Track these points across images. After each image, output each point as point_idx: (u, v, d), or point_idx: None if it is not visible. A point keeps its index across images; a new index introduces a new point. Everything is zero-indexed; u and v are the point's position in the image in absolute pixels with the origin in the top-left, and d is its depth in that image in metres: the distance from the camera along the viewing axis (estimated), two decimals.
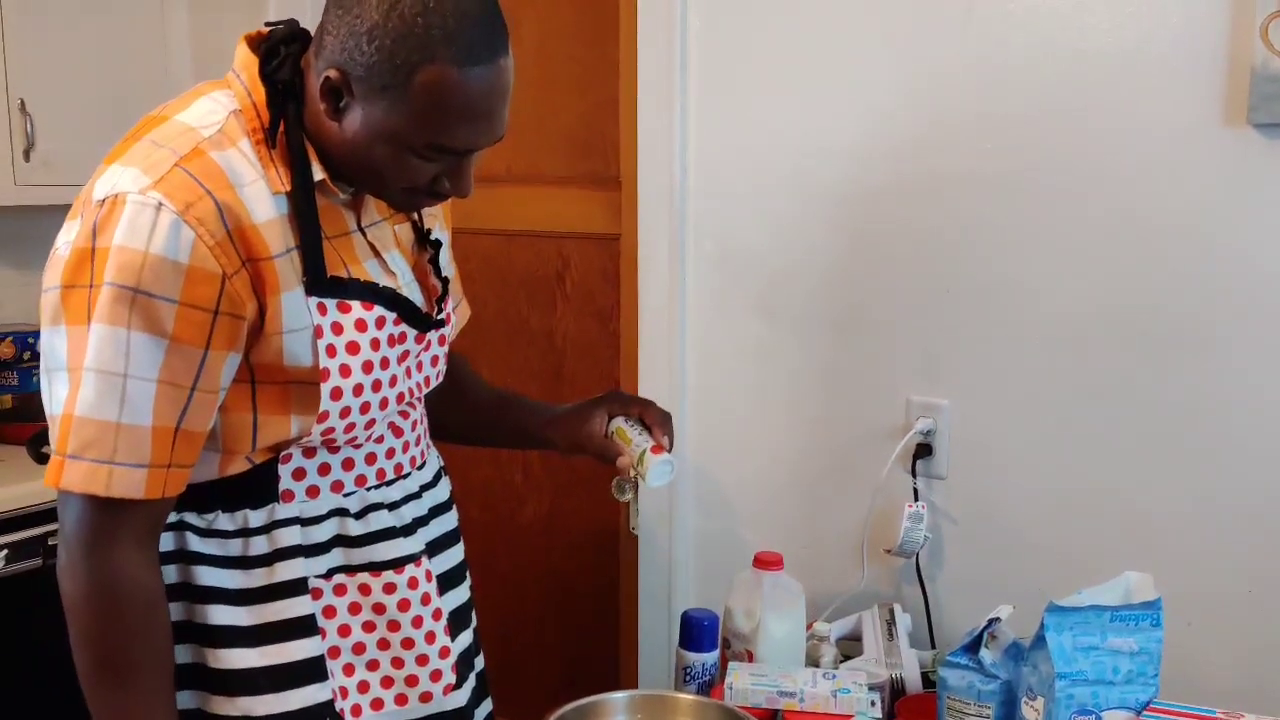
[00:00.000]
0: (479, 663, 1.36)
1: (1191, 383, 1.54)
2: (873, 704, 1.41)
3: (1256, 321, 1.49)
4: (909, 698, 1.57)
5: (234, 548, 1.13)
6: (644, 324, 1.98)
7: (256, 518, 1.13)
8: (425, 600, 1.19)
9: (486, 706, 1.39)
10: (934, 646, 1.77)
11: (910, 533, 1.73)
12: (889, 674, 1.58)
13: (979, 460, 1.73)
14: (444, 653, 1.21)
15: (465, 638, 1.28)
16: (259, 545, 1.13)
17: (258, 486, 1.13)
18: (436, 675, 1.20)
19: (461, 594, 1.29)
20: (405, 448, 1.23)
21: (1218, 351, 1.52)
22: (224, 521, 1.13)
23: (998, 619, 1.38)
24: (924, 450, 1.76)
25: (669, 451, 1.37)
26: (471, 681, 1.27)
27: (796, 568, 1.63)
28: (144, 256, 1.01)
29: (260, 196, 1.06)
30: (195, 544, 1.13)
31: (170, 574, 1.12)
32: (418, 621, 1.18)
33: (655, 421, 1.39)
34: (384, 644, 1.18)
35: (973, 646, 1.39)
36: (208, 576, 1.13)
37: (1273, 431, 1.50)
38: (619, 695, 1.41)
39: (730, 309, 1.91)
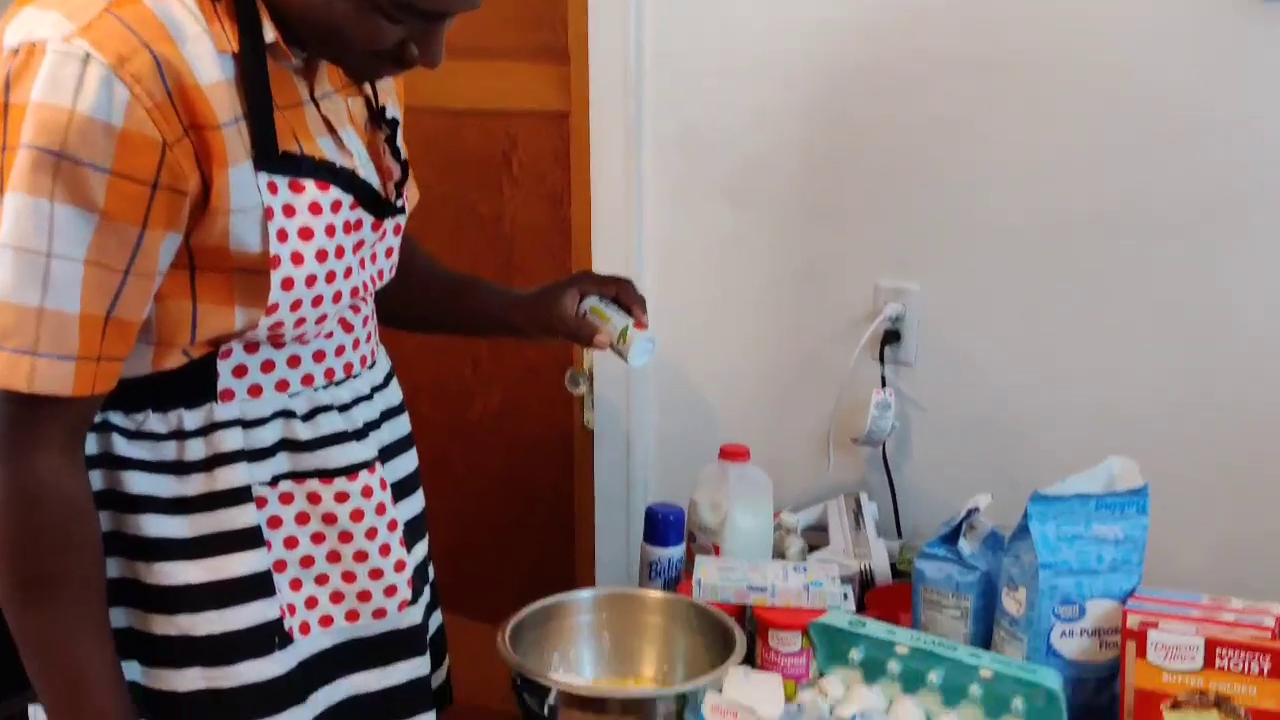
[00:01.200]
0: (430, 573, 1.30)
1: (1176, 268, 1.49)
2: (845, 597, 1.36)
3: (1248, 205, 1.43)
4: (879, 589, 1.53)
5: (167, 452, 1.03)
6: (598, 209, 1.87)
7: (192, 419, 1.03)
8: (380, 510, 1.11)
9: (437, 618, 1.32)
10: (900, 536, 1.73)
11: (878, 421, 1.68)
12: (859, 565, 1.54)
13: (949, 347, 1.67)
14: (399, 566, 1.13)
15: (420, 549, 1.20)
16: (195, 449, 1.03)
17: (194, 384, 1.03)
18: (391, 590, 1.12)
19: (416, 503, 1.21)
20: (355, 345, 1.14)
21: (1205, 235, 1.46)
22: (155, 423, 1.03)
23: (976, 509, 1.33)
24: (892, 337, 1.69)
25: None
26: (426, 595, 1.20)
27: (760, 459, 1.57)
28: (70, 115, 0.88)
29: (205, 55, 0.94)
30: (122, 447, 1.03)
31: (94, 480, 1.02)
32: (371, 533, 1.10)
33: (633, 299, 1.30)
34: (334, 556, 1.09)
35: (951, 537, 1.35)
36: (138, 483, 1.03)
37: (1259, 318, 1.45)
38: (584, 594, 1.35)
39: (690, 192, 1.81)
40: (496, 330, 1.38)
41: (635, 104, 1.80)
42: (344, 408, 1.11)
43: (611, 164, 1.84)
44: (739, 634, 1.25)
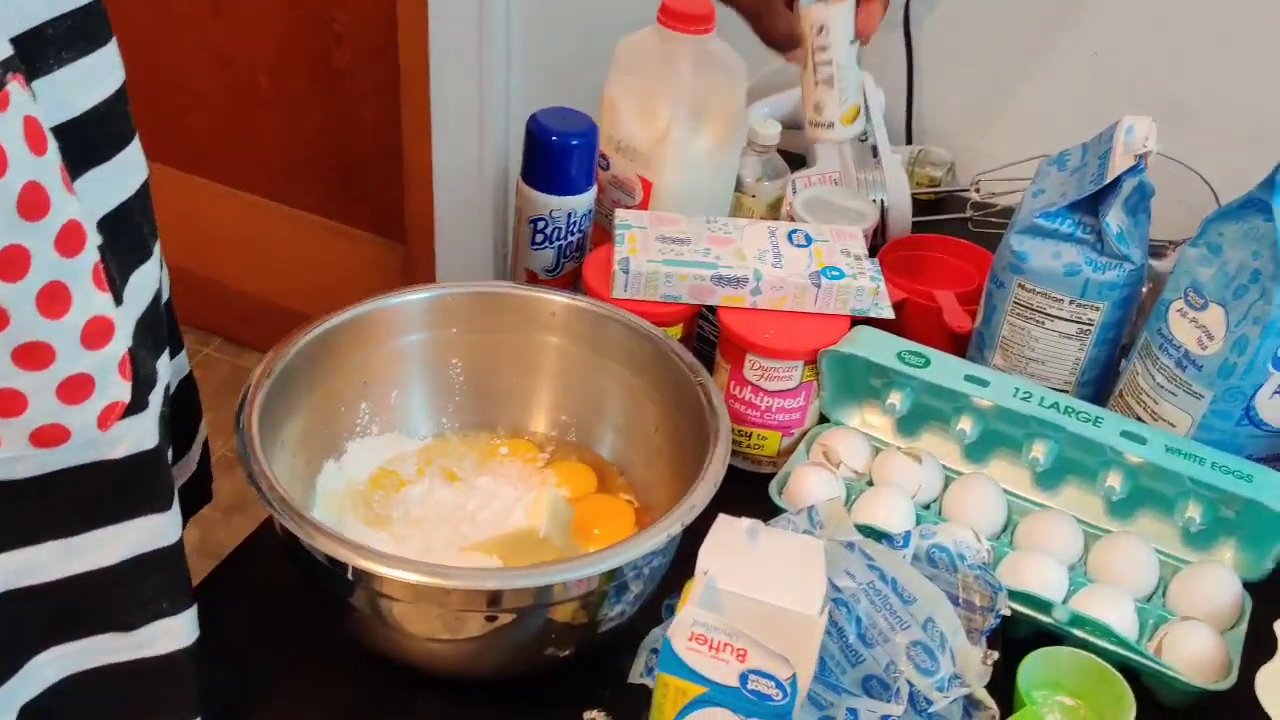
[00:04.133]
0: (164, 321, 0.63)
1: None
2: (876, 291, 0.78)
3: None
4: (896, 243, 0.94)
5: None
6: None
7: None
8: (35, 197, 0.43)
9: (180, 364, 0.68)
10: (911, 141, 1.12)
11: None
12: (870, 206, 0.94)
13: None
14: (99, 331, 0.47)
15: (146, 281, 0.53)
16: None
17: None
18: (79, 386, 0.47)
19: (127, 176, 0.51)
20: None
21: None
22: None
23: (1147, 154, 0.72)
24: None
25: None
26: (166, 374, 0.54)
27: None
28: None
29: None
30: None
31: None
32: (18, 262, 0.43)
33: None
34: None
35: (1087, 204, 0.75)
36: None
37: None
38: (409, 297, 0.71)
39: None
40: None
41: None
42: None
43: None
44: (717, 404, 0.65)
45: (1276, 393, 0.70)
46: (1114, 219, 0.73)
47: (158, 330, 0.54)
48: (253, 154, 1.66)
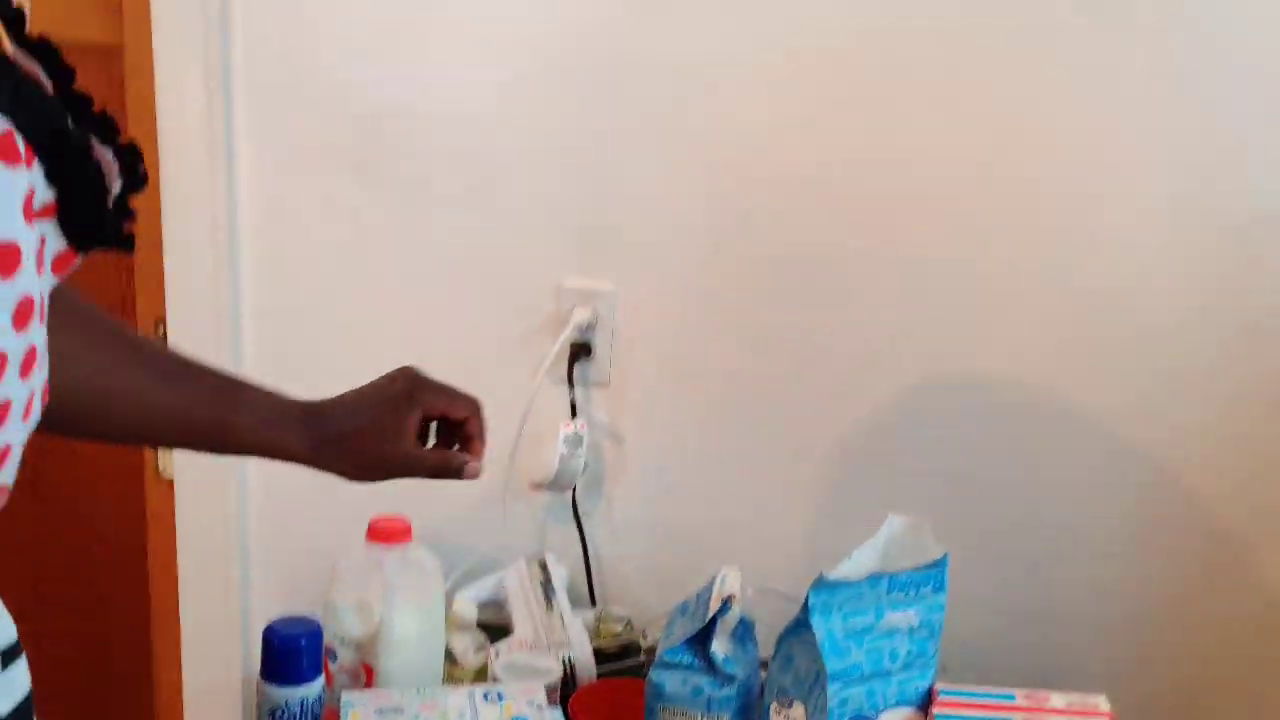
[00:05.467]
0: None
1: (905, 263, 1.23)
2: None
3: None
4: (584, 691, 1.16)
5: None
6: (168, 175, 1.34)
7: None
8: None
9: None
10: (595, 603, 1.37)
11: (567, 461, 1.31)
12: (558, 662, 1.16)
13: (651, 360, 1.32)
14: None
15: None
16: None
17: None
18: None
19: None
20: None
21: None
22: None
23: (731, 597, 0.99)
24: (582, 351, 1.32)
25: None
26: None
27: (415, 522, 1.14)
28: None
29: None
30: None
31: None
32: None
33: (478, 432, 0.92)
34: None
35: (699, 638, 1.00)
36: None
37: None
38: None
39: (305, 159, 1.33)
40: (225, 448, 0.85)
41: (220, 36, 1.29)
42: None
43: (189, 118, 1.32)
44: None
45: None
46: (719, 648, 0.98)
47: None
48: None
